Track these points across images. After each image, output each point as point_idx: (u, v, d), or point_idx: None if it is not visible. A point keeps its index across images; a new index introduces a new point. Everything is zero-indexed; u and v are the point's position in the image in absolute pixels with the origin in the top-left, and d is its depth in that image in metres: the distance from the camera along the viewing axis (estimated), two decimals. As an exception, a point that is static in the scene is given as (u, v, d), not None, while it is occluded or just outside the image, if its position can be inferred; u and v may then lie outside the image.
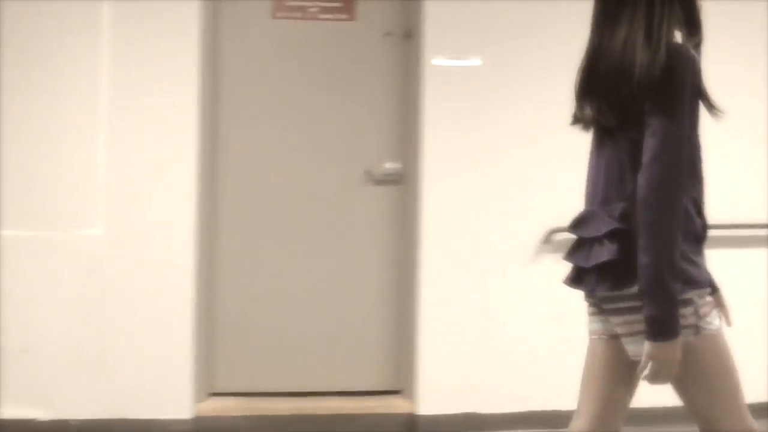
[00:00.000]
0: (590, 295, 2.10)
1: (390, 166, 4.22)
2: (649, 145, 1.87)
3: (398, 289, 4.23)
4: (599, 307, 2.09)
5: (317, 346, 4.21)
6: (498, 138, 4.08)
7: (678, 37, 1.98)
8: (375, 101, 4.24)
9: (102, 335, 3.84)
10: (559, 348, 4.05)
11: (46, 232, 3.81)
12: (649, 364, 1.88)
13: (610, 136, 2.01)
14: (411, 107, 4.16)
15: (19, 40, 3.79)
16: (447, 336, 4.03)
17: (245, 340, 4.17)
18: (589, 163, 2.13)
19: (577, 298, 4.14)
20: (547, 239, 4.03)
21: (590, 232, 2.01)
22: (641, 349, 1.90)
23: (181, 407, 3.88)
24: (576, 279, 2.09)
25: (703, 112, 1.95)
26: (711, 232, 2.03)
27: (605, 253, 1.94)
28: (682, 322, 1.88)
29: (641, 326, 1.89)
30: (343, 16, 4.22)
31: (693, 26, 2.00)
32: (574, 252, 2.08)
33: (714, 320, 1.96)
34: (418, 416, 4.02)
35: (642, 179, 1.87)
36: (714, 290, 2.06)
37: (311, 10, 4.21)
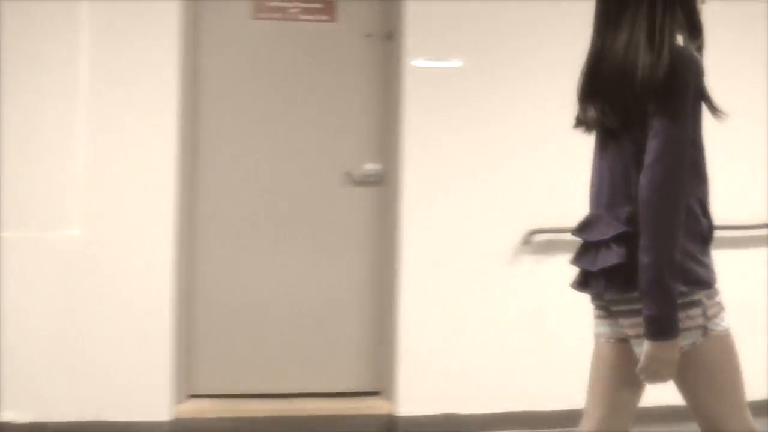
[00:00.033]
0: (598, 299, 2.10)
1: (370, 167, 4.22)
2: (652, 146, 1.88)
3: (378, 291, 4.23)
4: (607, 310, 2.09)
5: (296, 347, 4.21)
6: (477, 139, 4.09)
7: (679, 40, 1.99)
8: (355, 102, 4.24)
9: (80, 337, 3.81)
10: (538, 349, 4.07)
11: (24, 233, 3.77)
12: (648, 364, 1.89)
13: (614, 139, 2.02)
14: (391, 108, 4.17)
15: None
16: (426, 337, 4.03)
17: (224, 342, 4.16)
18: (593, 165, 2.13)
19: (557, 299, 4.18)
20: (527, 240, 4.05)
21: (596, 235, 2.02)
22: None
23: (160, 409, 3.86)
24: (583, 283, 2.10)
25: (705, 113, 1.96)
26: (711, 233, 2.04)
27: (613, 256, 1.95)
28: (691, 323, 1.90)
29: None
30: (324, 17, 4.21)
31: (694, 29, 2.01)
32: (580, 256, 2.09)
33: (722, 321, 1.97)
34: (398, 417, 4.02)
35: (644, 180, 1.88)
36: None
37: (292, 10, 4.20)
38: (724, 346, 1.97)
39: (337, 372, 4.24)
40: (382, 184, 4.21)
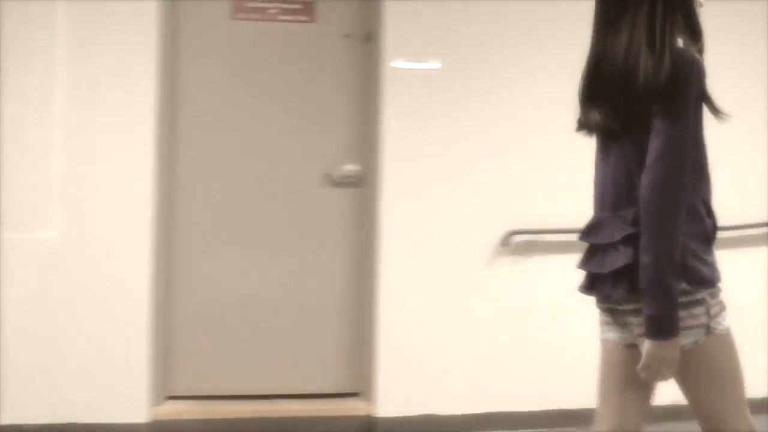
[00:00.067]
0: (606, 300, 2.09)
1: (349, 168, 4.22)
2: (654, 146, 1.89)
3: (357, 292, 4.23)
4: (613, 315, 2.10)
5: (275, 348, 4.20)
6: (457, 141, 4.10)
7: (680, 42, 2.00)
8: (334, 103, 4.23)
9: (56, 338, 3.78)
10: (518, 349, 4.08)
11: (0, 234, 3.74)
12: (649, 363, 1.90)
13: (617, 141, 2.02)
14: (370, 109, 4.17)
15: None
16: (405, 338, 4.04)
17: (202, 343, 4.14)
18: (596, 168, 2.14)
19: (536, 299, 4.19)
20: (506, 242, 4.06)
21: (604, 238, 2.03)
22: None
23: (138, 411, 3.84)
24: (590, 286, 2.10)
25: (706, 114, 1.98)
26: (712, 233, 2.05)
27: (621, 258, 1.96)
28: (694, 321, 1.91)
29: None
30: (303, 18, 4.21)
31: (694, 33, 2.02)
32: (587, 259, 2.09)
33: (724, 320, 1.98)
34: (377, 418, 4.02)
35: (645, 179, 1.89)
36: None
37: (271, 11, 4.19)
38: (726, 345, 1.98)
39: (316, 373, 4.23)
40: (361, 185, 4.21)
